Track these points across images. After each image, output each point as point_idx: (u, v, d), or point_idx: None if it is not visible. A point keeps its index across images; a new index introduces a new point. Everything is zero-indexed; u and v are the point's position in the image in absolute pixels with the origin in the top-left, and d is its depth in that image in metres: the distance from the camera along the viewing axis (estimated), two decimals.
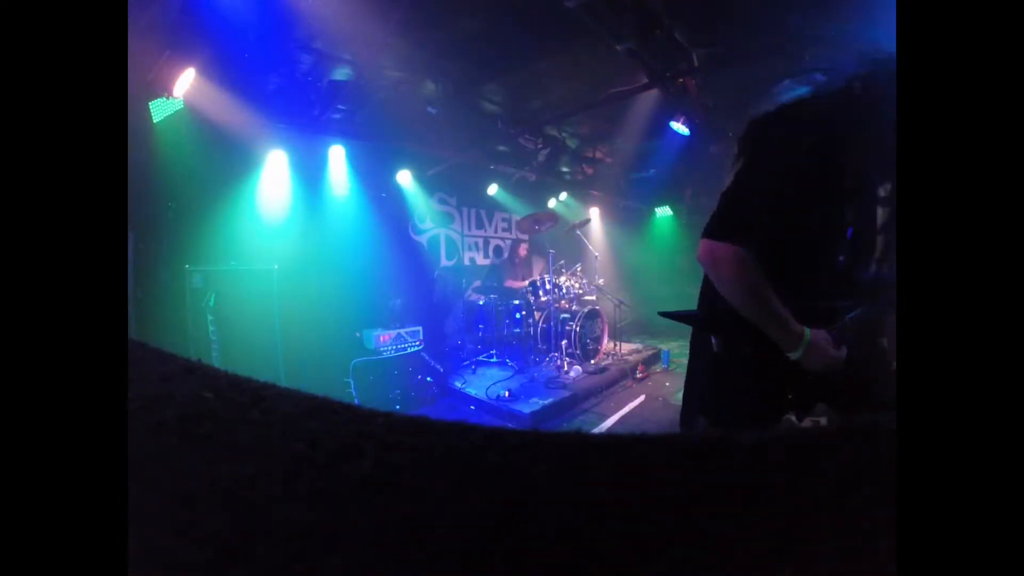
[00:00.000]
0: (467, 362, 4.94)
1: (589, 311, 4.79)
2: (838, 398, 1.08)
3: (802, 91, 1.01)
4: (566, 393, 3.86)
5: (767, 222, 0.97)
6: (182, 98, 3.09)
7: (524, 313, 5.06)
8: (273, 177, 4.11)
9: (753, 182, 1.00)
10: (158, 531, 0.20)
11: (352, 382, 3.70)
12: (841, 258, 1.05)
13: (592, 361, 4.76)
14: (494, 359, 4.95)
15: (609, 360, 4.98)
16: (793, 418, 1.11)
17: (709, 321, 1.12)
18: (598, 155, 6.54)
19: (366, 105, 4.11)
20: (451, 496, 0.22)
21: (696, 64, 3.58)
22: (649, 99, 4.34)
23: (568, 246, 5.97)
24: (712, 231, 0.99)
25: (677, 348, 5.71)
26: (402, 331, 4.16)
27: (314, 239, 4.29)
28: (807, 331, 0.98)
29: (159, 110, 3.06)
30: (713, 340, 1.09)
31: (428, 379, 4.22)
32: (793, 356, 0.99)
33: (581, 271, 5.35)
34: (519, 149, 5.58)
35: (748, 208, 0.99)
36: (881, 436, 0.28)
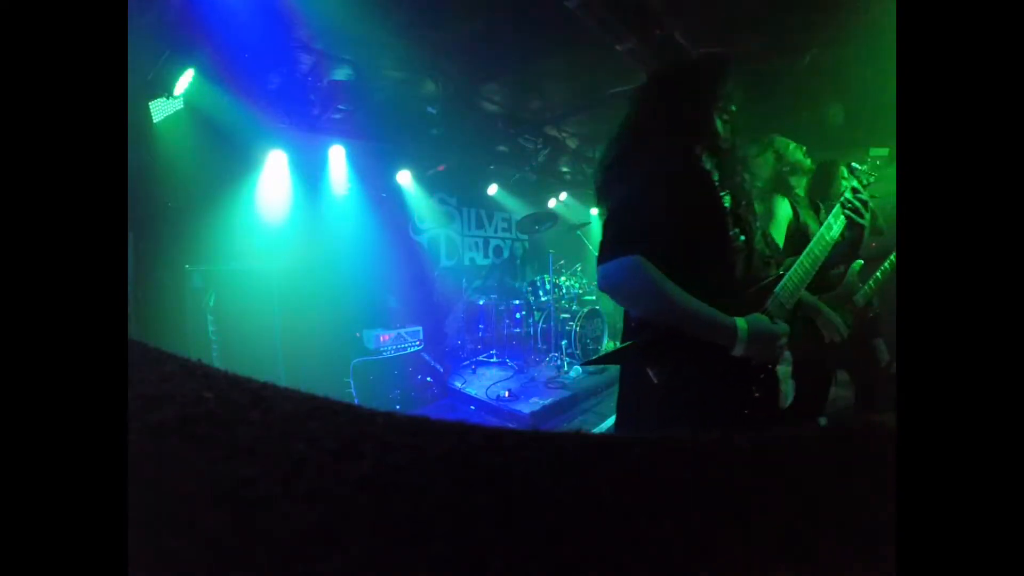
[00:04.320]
0: (467, 362, 4.94)
1: (589, 311, 4.79)
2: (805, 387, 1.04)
3: (624, 130, 1.11)
4: (566, 393, 3.86)
5: (652, 232, 0.95)
6: (182, 98, 3.09)
7: (524, 313, 5.06)
8: (273, 177, 4.11)
9: (626, 203, 1.00)
10: (158, 531, 0.20)
11: (352, 382, 3.70)
12: (741, 236, 1.04)
13: None
14: (494, 359, 4.95)
15: None
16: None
17: (641, 352, 1.02)
18: (598, 155, 6.52)
19: (366, 105, 4.10)
20: (451, 496, 0.22)
21: None
22: None
23: (568, 246, 5.97)
24: (603, 256, 0.97)
25: None
26: (402, 331, 4.16)
27: (314, 239, 4.29)
28: (738, 319, 0.95)
29: (159, 110, 3.06)
30: (651, 372, 1.00)
31: (428, 379, 4.22)
32: (739, 350, 0.94)
33: (581, 271, 5.35)
34: (519, 149, 5.57)
35: (629, 223, 0.97)
36: (881, 436, 0.28)
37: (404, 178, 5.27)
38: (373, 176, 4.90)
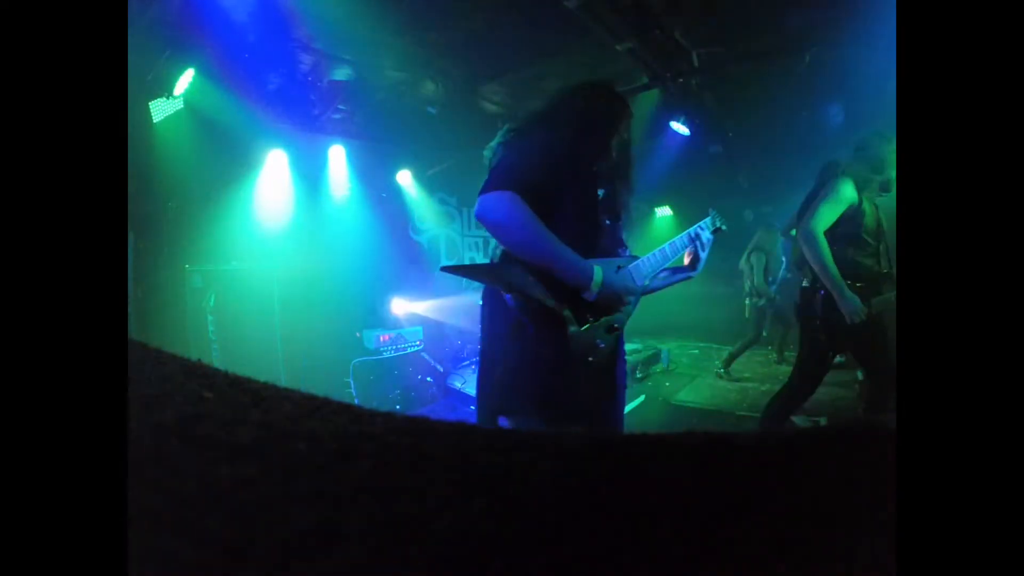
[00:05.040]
0: (467, 362, 4.93)
1: None
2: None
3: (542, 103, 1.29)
4: None
5: (533, 178, 1.07)
6: (182, 98, 3.09)
7: None
8: (273, 177, 4.11)
9: (515, 150, 1.15)
10: (158, 531, 0.20)
11: (352, 382, 3.70)
12: (607, 221, 1.19)
13: None
14: None
15: None
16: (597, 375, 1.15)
17: (497, 271, 1.14)
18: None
19: (366, 105, 4.10)
20: (451, 496, 0.22)
21: (696, 64, 3.58)
22: (649, 99, 4.34)
23: None
24: (484, 187, 1.07)
25: (677, 348, 5.72)
26: (402, 331, 4.16)
27: (314, 239, 4.29)
28: (596, 266, 1.07)
29: (159, 110, 3.06)
30: (508, 297, 1.09)
31: (428, 379, 4.22)
32: (591, 295, 1.06)
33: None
34: None
35: (515, 164, 1.09)
36: (881, 436, 0.28)
37: (404, 178, 5.26)
38: (373, 176, 4.89)
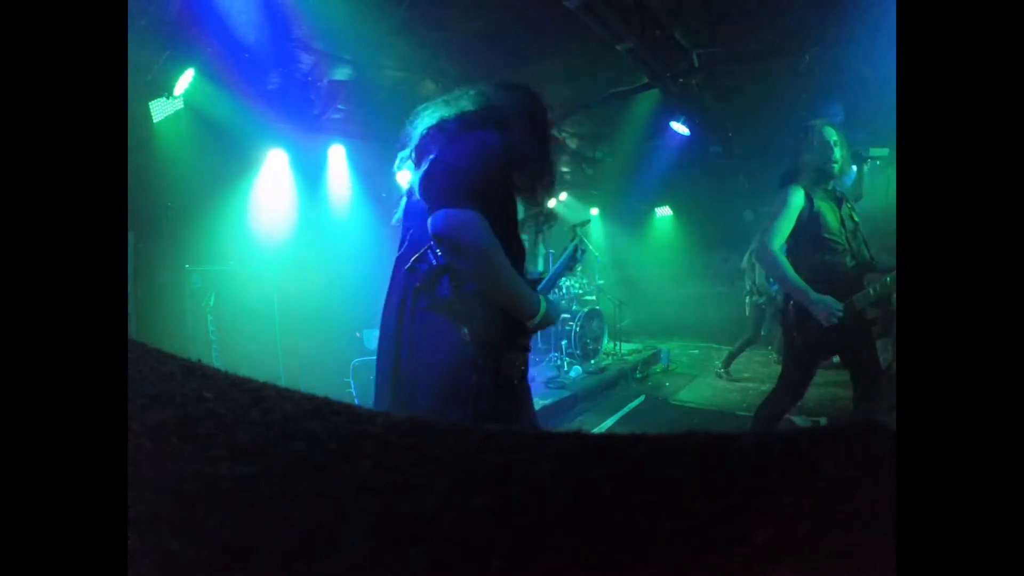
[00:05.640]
0: None
1: (589, 311, 4.79)
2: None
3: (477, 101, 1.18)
4: (566, 393, 3.86)
5: (489, 196, 1.01)
6: (182, 98, 3.09)
7: None
8: (273, 177, 4.11)
9: (466, 157, 1.04)
10: (158, 531, 0.20)
11: (352, 382, 3.70)
12: (525, 238, 1.19)
13: (592, 361, 4.76)
14: None
15: (609, 360, 4.97)
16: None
17: (460, 306, 1.07)
18: (598, 155, 6.54)
19: (366, 105, 4.11)
20: (451, 496, 0.22)
21: (696, 64, 3.58)
22: (649, 99, 4.34)
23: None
24: (444, 199, 0.98)
25: (677, 348, 5.71)
26: None
27: (314, 239, 4.29)
28: (542, 298, 1.09)
29: (159, 110, 3.06)
30: (466, 330, 1.05)
31: None
32: (533, 323, 1.08)
33: (581, 271, 5.35)
34: None
35: (474, 178, 1.00)
36: (881, 436, 0.28)
37: (404, 178, 5.26)
38: (373, 176, 4.89)
